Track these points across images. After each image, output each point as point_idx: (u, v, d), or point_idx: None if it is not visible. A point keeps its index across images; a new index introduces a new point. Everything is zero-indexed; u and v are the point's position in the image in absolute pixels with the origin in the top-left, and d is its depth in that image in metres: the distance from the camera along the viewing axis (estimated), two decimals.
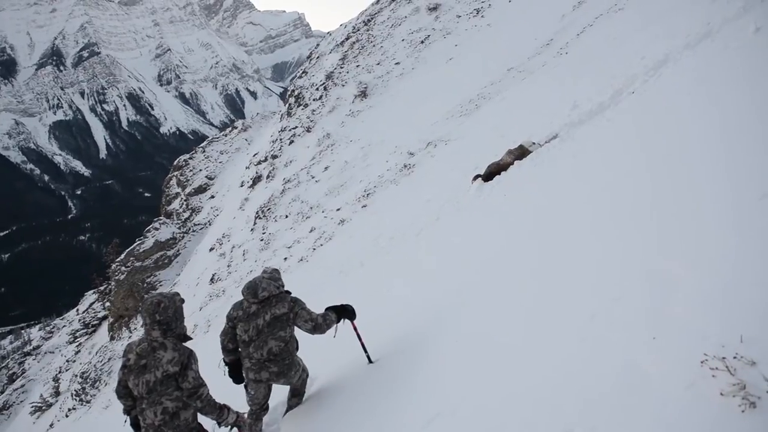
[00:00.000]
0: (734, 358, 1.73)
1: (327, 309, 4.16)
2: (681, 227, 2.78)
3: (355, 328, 4.30)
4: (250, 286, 3.88)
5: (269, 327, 3.82)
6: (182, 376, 3.17)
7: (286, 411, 4.39)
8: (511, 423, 2.36)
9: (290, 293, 4.03)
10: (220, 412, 3.42)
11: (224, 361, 4.05)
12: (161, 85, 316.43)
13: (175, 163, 47.34)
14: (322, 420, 3.94)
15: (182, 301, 3.42)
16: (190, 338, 3.42)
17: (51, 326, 47.33)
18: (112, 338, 29.01)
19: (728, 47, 4.85)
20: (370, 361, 4.31)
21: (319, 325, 3.95)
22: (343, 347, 4.65)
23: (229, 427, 3.69)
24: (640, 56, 7.76)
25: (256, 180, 30.80)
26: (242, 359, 3.95)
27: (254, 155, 35.31)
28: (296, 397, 4.35)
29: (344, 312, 4.20)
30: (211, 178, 41.73)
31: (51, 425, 24.90)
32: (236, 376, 4.06)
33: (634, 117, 5.47)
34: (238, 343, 3.93)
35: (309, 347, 4.57)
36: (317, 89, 31.70)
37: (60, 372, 32.14)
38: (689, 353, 1.88)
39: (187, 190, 41.64)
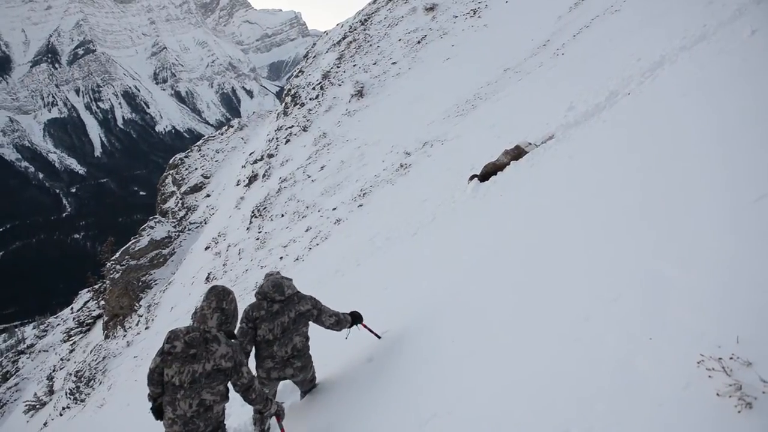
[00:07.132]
0: (730, 358, 1.75)
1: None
2: (677, 228, 2.79)
3: (366, 326, 4.50)
4: (276, 284, 3.90)
5: (294, 324, 3.89)
6: (237, 372, 3.16)
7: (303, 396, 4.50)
8: (507, 423, 2.37)
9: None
10: (266, 402, 3.37)
11: None
12: (157, 83, 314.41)
13: (170, 161, 47.17)
14: (318, 419, 3.93)
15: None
16: (236, 338, 3.38)
17: (45, 324, 47.00)
18: (106, 337, 28.88)
19: (724, 50, 4.87)
20: (378, 337, 4.56)
21: (340, 320, 4.15)
22: (339, 347, 4.66)
23: (270, 417, 3.70)
24: (636, 58, 7.78)
25: (252, 179, 30.73)
26: (261, 360, 3.89)
27: (250, 154, 35.26)
28: (310, 382, 4.39)
29: (356, 319, 4.35)
30: (206, 177, 41.63)
31: (45, 424, 24.69)
32: None
33: (629, 118, 5.49)
34: (258, 344, 3.87)
35: None
36: (314, 88, 31.67)
37: (54, 370, 31.92)
38: (686, 354, 1.89)
39: (183, 189, 41.55)
